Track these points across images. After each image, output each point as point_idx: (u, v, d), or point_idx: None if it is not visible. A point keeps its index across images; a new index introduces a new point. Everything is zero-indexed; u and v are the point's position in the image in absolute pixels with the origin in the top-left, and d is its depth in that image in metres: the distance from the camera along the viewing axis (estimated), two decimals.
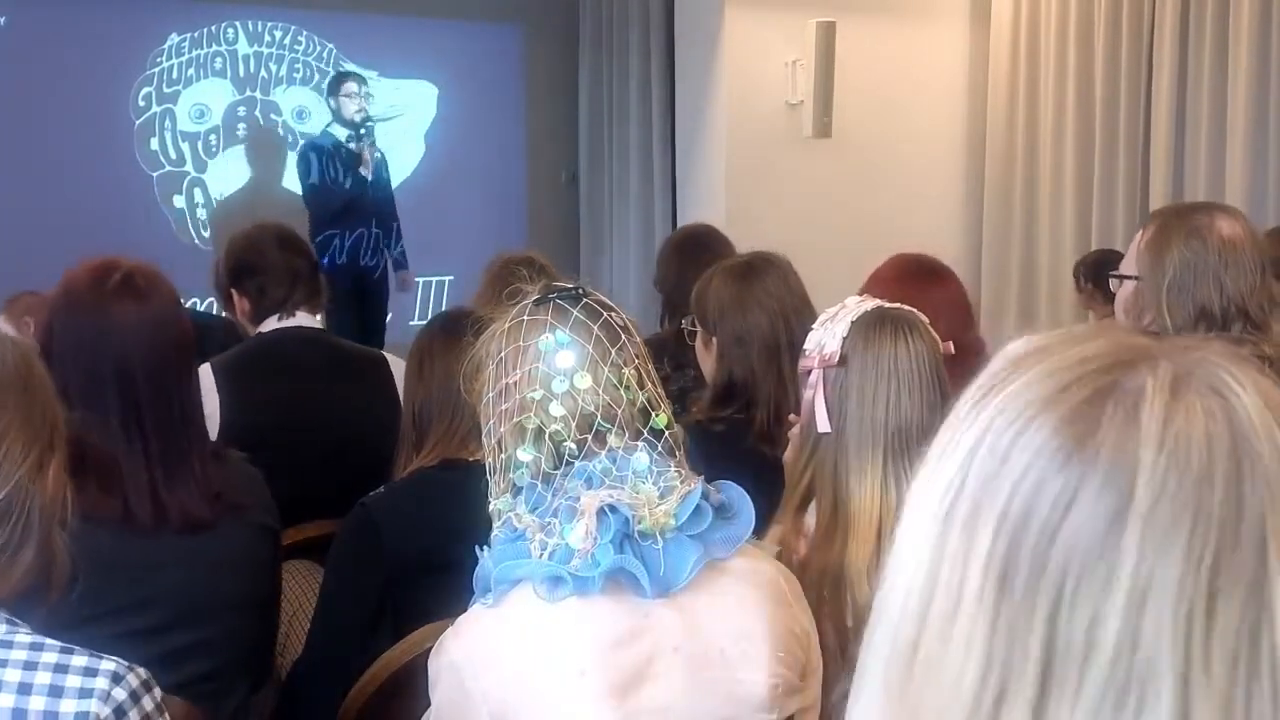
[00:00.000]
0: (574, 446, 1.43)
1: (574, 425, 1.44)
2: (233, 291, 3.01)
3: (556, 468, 1.44)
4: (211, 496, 1.90)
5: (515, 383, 1.46)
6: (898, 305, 1.89)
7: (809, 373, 1.86)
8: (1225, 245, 2.21)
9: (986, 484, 0.64)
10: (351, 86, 5.99)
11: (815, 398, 1.83)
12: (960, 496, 0.65)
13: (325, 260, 5.72)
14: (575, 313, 1.47)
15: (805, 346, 1.90)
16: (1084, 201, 5.86)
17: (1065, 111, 5.93)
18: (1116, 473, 0.61)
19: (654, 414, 1.48)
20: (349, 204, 5.88)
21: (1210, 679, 0.60)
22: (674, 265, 3.39)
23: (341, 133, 5.94)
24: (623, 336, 1.49)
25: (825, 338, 1.85)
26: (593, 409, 1.44)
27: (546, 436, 1.44)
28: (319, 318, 3.03)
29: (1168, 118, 5.46)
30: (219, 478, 1.93)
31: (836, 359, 1.82)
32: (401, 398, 2.43)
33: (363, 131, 5.91)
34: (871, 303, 1.89)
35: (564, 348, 1.45)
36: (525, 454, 1.45)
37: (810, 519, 1.86)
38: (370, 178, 5.92)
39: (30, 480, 1.28)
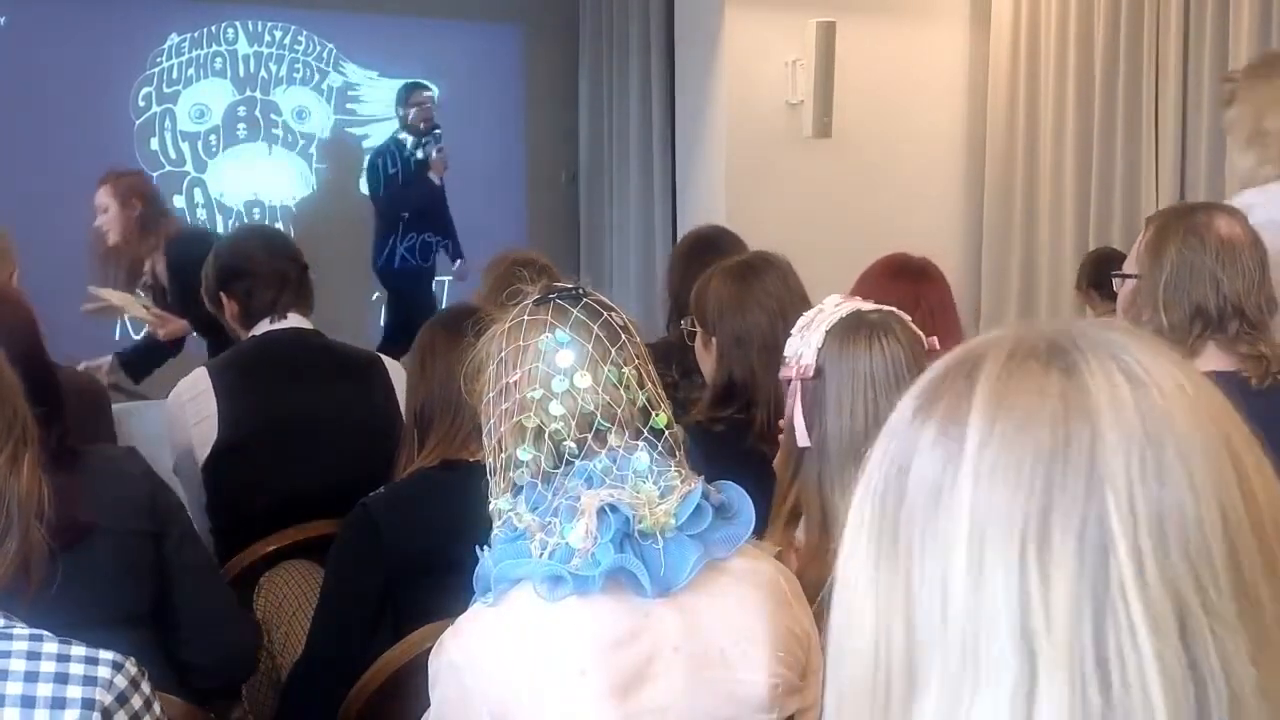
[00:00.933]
0: (574, 446, 1.44)
1: (574, 424, 1.44)
2: (221, 295, 3.01)
3: (556, 467, 1.44)
4: (55, 528, 1.69)
5: (515, 382, 1.46)
6: (875, 307, 1.85)
7: (789, 382, 1.84)
8: (1223, 245, 2.21)
9: (874, 464, 0.68)
10: (422, 95, 6.30)
11: (794, 411, 1.80)
12: (863, 480, 0.69)
13: (396, 263, 6.20)
14: (575, 312, 1.47)
15: (785, 354, 1.86)
16: (1084, 201, 5.85)
17: (1065, 111, 5.92)
18: (949, 424, 0.64)
19: (654, 413, 1.48)
20: (424, 207, 6.22)
21: (1051, 626, 0.59)
22: (678, 267, 3.38)
23: (409, 140, 6.22)
24: (623, 336, 1.49)
25: (802, 347, 1.81)
26: (593, 408, 1.44)
27: (546, 436, 1.44)
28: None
29: (1167, 118, 5.45)
30: (66, 496, 1.73)
31: (812, 372, 1.78)
32: (403, 396, 2.43)
33: (425, 141, 6.20)
34: (848, 305, 1.84)
35: (564, 347, 1.45)
36: (525, 453, 1.45)
37: (801, 533, 1.83)
38: (440, 182, 6.26)
39: (8, 472, 1.29)
